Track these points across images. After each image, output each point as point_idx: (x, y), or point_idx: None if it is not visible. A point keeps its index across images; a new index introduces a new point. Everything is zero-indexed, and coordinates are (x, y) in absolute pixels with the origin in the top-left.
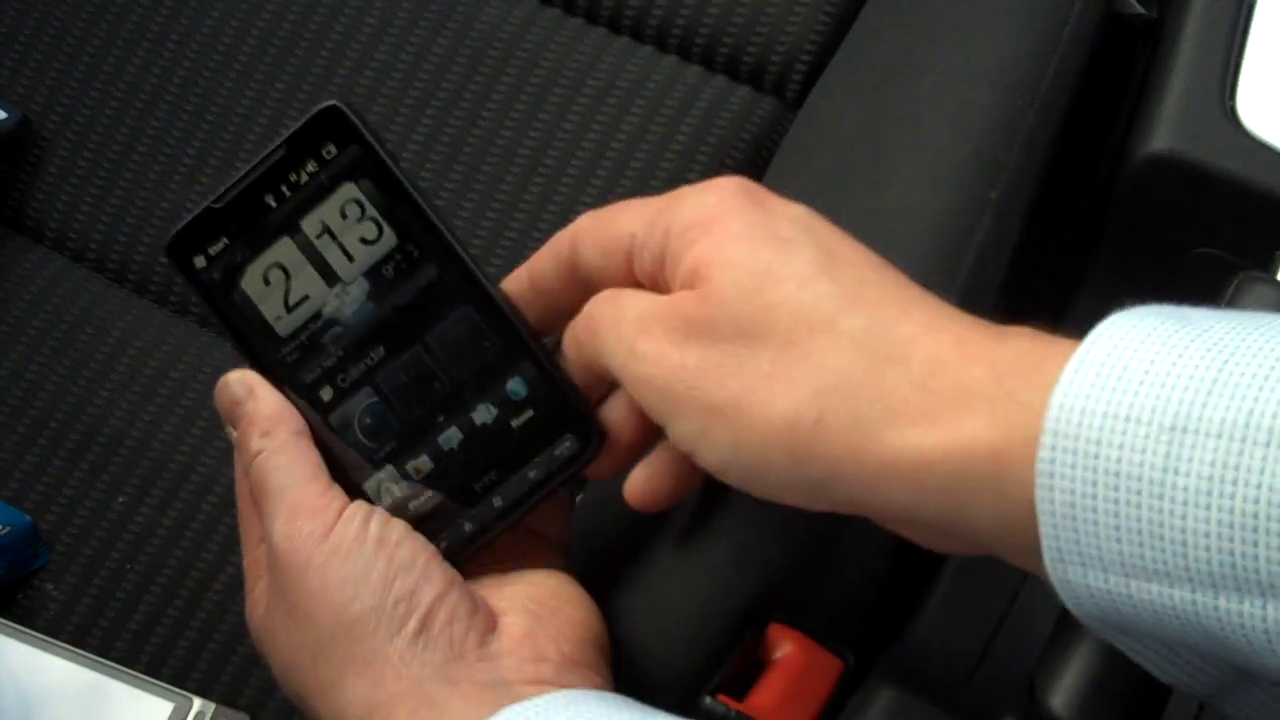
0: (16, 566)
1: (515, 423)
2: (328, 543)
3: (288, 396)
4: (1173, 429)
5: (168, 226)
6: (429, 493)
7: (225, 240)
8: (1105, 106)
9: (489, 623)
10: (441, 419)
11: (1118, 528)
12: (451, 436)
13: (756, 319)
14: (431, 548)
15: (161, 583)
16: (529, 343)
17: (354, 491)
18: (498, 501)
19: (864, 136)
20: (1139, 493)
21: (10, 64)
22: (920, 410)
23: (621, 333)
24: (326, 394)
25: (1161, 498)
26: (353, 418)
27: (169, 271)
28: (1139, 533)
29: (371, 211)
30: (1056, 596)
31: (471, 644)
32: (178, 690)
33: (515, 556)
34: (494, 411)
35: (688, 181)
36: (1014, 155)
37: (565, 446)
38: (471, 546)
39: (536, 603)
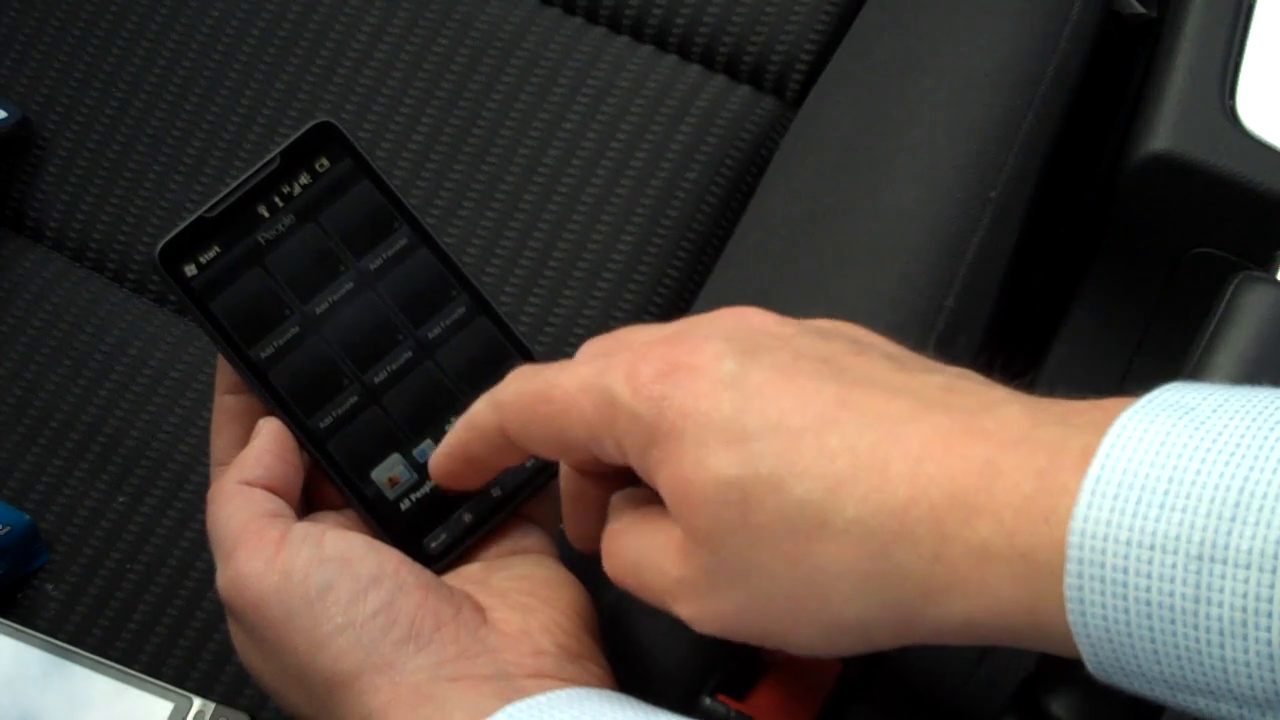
0: (16, 566)
1: None
2: (275, 570)
3: (280, 398)
4: (1200, 558)
5: (167, 226)
6: (429, 484)
7: (217, 249)
8: (1105, 106)
9: (478, 618)
10: (442, 413)
11: (1155, 651)
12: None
13: (757, 550)
14: (398, 555)
15: (161, 583)
16: (522, 341)
17: (359, 483)
18: (496, 492)
19: (864, 136)
20: (1173, 622)
21: (10, 64)
22: (945, 583)
23: (655, 594)
24: (319, 396)
25: (1197, 628)
26: (357, 414)
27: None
28: (1178, 658)
29: (364, 222)
30: None
31: (467, 641)
32: (178, 690)
33: (503, 544)
34: None
35: (687, 180)
36: (1014, 155)
37: (525, 463)
38: (469, 538)
39: (526, 594)
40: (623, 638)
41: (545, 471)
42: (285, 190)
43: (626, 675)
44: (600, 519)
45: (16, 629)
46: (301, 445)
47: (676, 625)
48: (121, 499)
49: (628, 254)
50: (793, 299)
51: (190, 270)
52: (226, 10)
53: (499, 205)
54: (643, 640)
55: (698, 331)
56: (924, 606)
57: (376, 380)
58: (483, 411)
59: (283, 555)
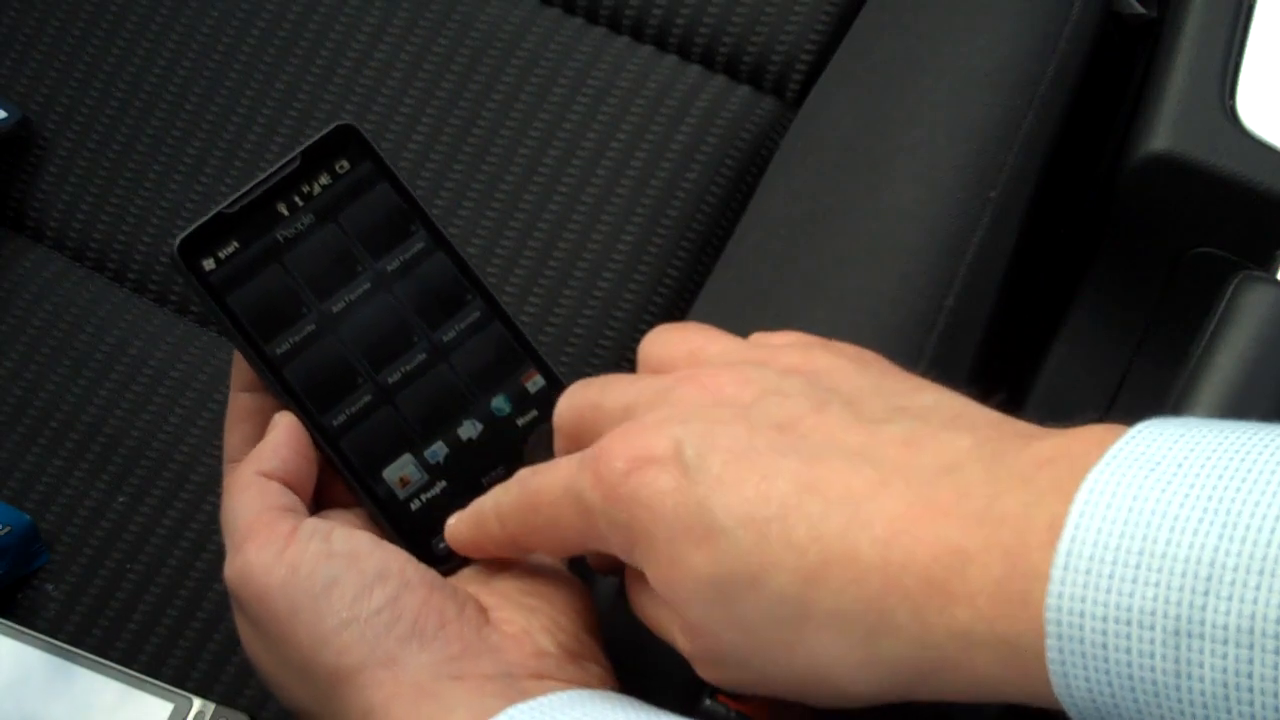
0: (16, 566)
1: (521, 421)
2: (283, 564)
3: (295, 394)
4: (1177, 634)
5: (168, 226)
6: (442, 483)
7: (235, 244)
8: (1105, 106)
9: (481, 618)
10: (455, 413)
11: None
12: (469, 429)
13: (751, 641)
14: (404, 554)
15: (161, 583)
16: (534, 346)
17: (371, 482)
18: None
19: (864, 136)
20: (1156, 695)
21: (10, 64)
22: (935, 664)
23: (677, 650)
24: (332, 395)
25: (1180, 701)
26: (360, 417)
27: (169, 271)
28: None
29: (382, 224)
30: None
31: (470, 639)
32: (178, 690)
33: None
34: (509, 407)
35: (687, 180)
36: (1014, 155)
37: None
38: None
39: (528, 594)
40: (622, 638)
41: None
42: (305, 189)
43: (626, 675)
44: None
45: (16, 629)
46: (314, 442)
47: None
48: (121, 499)
49: (628, 254)
50: (793, 299)
51: (209, 265)
52: (226, 10)
53: (499, 205)
54: (642, 640)
55: (655, 415)
56: (921, 682)
57: (390, 380)
58: (491, 523)
59: (291, 549)
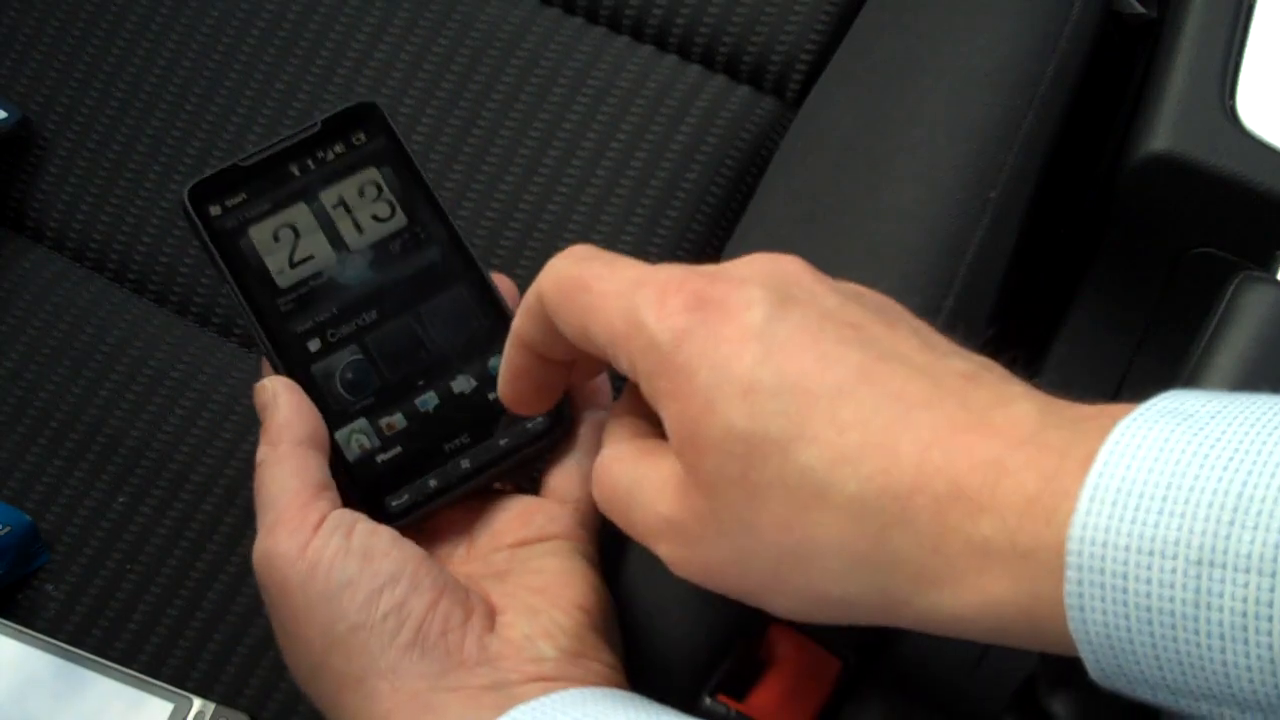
0: (16, 567)
1: (492, 395)
2: (305, 559)
3: (275, 341)
4: (1199, 563)
5: (168, 226)
6: (397, 449)
7: (244, 195)
8: (1105, 106)
9: (486, 623)
10: (421, 383)
11: (1157, 658)
12: (429, 400)
13: (753, 507)
14: (421, 553)
15: (161, 583)
16: (506, 310)
17: (333, 434)
18: (465, 464)
19: (864, 136)
20: (1173, 627)
21: (10, 64)
22: (939, 575)
23: (640, 530)
24: (314, 345)
25: (1197, 633)
26: (336, 370)
27: (168, 271)
28: (1179, 663)
29: (388, 194)
30: None
31: (470, 649)
32: (178, 690)
33: (530, 528)
34: (473, 383)
35: (687, 180)
36: (1014, 155)
37: (536, 421)
38: (434, 503)
39: (536, 593)
40: (623, 637)
41: (515, 453)
42: (320, 154)
43: (627, 674)
44: (541, 391)
45: (16, 629)
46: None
47: (677, 624)
48: (121, 499)
49: (627, 254)
50: None
51: (215, 210)
52: (226, 10)
53: (499, 205)
54: (643, 640)
55: (735, 273)
56: (913, 595)
57: (366, 339)
58: (540, 280)
59: (315, 543)
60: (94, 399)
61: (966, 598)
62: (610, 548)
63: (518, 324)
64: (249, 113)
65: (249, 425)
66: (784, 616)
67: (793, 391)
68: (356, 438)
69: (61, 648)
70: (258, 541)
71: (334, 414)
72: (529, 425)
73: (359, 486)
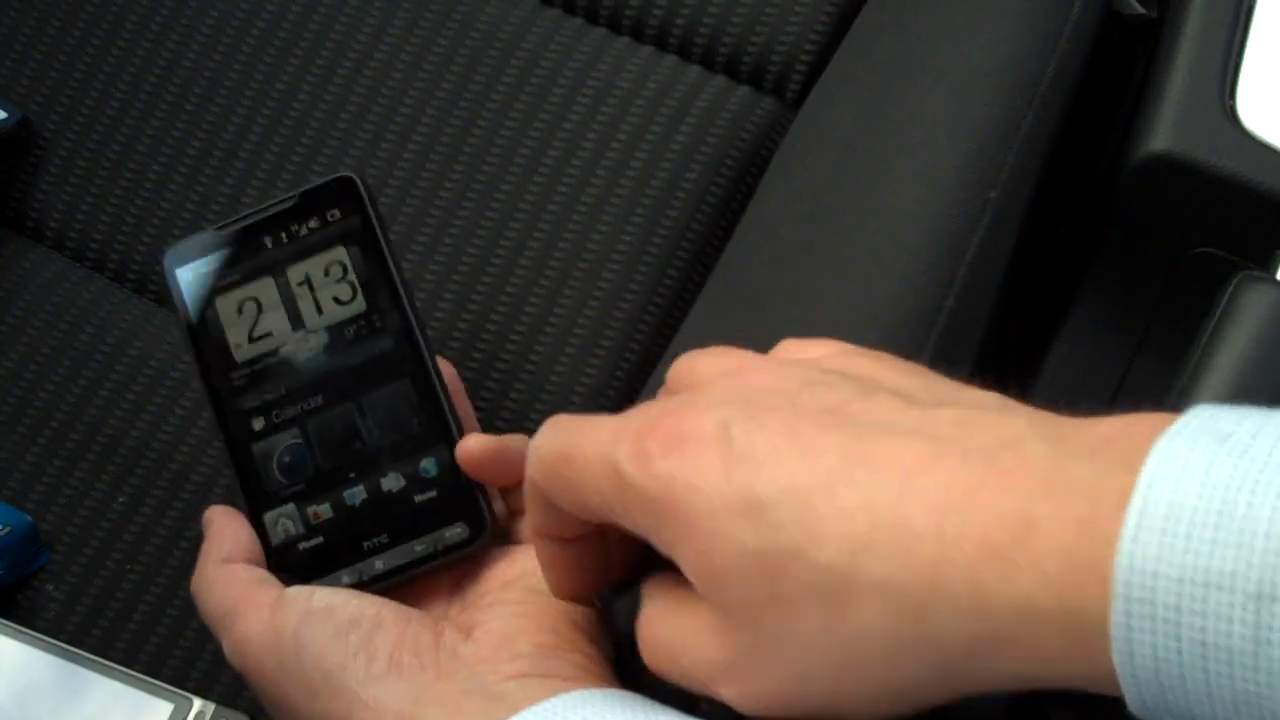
0: (16, 566)
1: (418, 498)
2: (271, 629)
3: (222, 415)
4: (1259, 596)
5: (168, 227)
6: (319, 539)
7: (218, 263)
8: (1105, 106)
9: (458, 636)
10: (353, 476)
11: (1209, 694)
12: (357, 494)
13: (791, 622)
14: (381, 600)
15: (161, 583)
16: (452, 431)
17: (257, 514)
18: (379, 564)
19: (864, 136)
20: (1229, 664)
21: (10, 64)
22: (990, 641)
23: (697, 679)
24: (259, 424)
25: (1255, 670)
26: (274, 452)
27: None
28: (1233, 701)
29: (351, 277)
30: None
31: (445, 662)
32: (178, 690)
33: (507, 569)
34: (402, 482)
35: (687, 180)
36: (1014, 155)
37: (456, 532)
38: (379, 584)
39: (516, 604)
40: (622, 637)
41: (430, 561)
42: (293, 228)
43: (627, 674)
44: (576, 574)
45: (17, 630)
46: (227, 458)
47: None
48: (121, 499)
49: (628, 254)
50: (793, 299)
51: (187, 276)
52: (226, 11)
53: (499, 205)
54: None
55: (700, 400)
56: (969, 664)
57: (308, 424)
58: (528, 468)
59: (278, 616)
60: (94, 399)
61: (1023, 657)
62: None
63: (530, 518)
64: (249, 112)
65: None
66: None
67: (789, 496)
68: (283, 522)
69: (62, 648)
70: (225, 647)
71: (266, 495)
72: (448, 534)
73: (275, 571)
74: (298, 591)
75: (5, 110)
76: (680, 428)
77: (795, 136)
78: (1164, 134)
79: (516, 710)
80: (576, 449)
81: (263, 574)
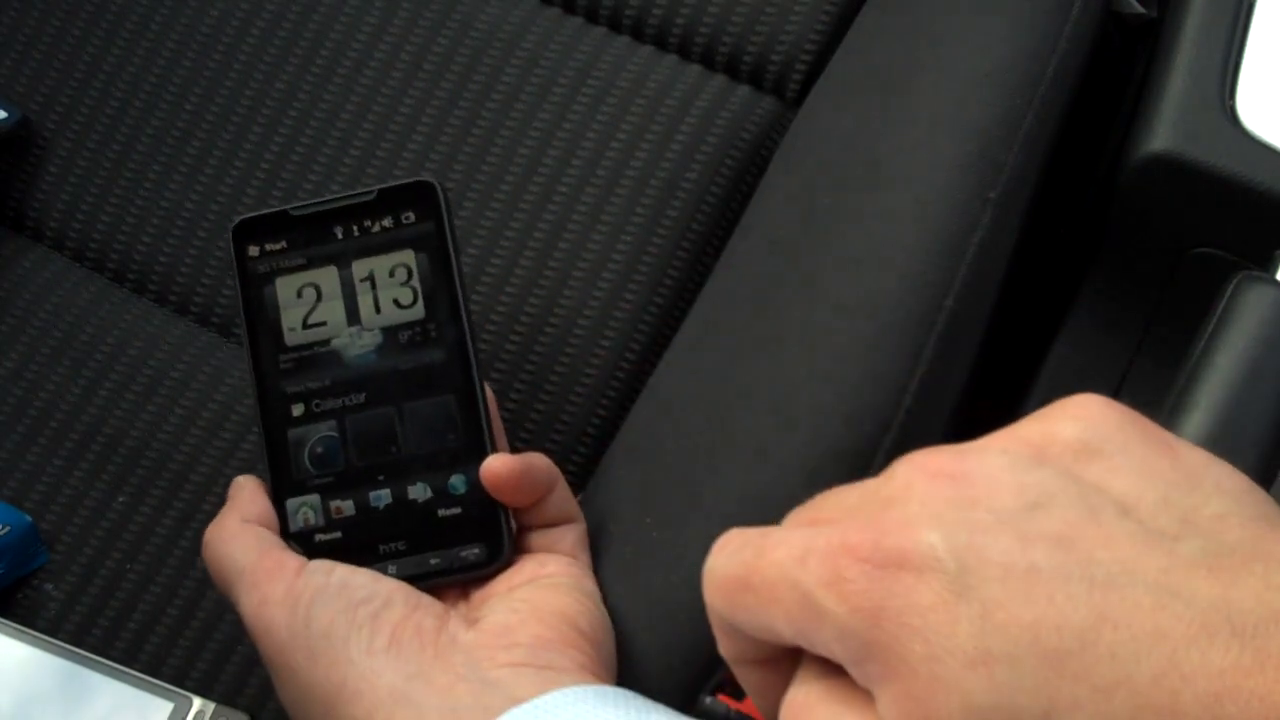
0: (16, 566)
1: (442, 512)
2: (291, 596)
3: (264, 395)
4: None
5: (168, 227)
6: (337, 534)
7: (284, 243)
8: (1105, 106)
9: (460, 624)
10: (381, 478)
11: None
12: (382, 497)
13: None
14: (395, 583)
15: (161, 583)
16: (488, 453)
17: (280, 501)
18: (392, 570)
19: (864, 136)
20: None
21: (10, 64)
22: None
23: None
24: (298, 409)
25: None
26: (309, 440)
27: (168, 271)
28: None
29: (415, 282)
30: None
31: (444, 645)
32: (178, 690)
33: (514, 574)
34: (429, 494)
35: (687, 180)
36: (1014, 155)
37: (473, 552)
38: None
39: (521, 599)
40: (622, 638)
41: (442, 575)
42: (366, 223)
43: (626, 675)
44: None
45: (16, 629)
46: (263, 436)
47: (677, 625)
48: (121, 499)
49: (628, 254)
50: (793, 299)
51: (253, 251)
52: (226, 10)
53: (499, 205)
54: (643, 640)
55: (900, 512)
56: None
57: (345, 420)
58: (705, 596)
59: (298, 583)
60: (94, 399)
61: None
62: (610, 549)
63: (721, 648)
64: (248, 113)
65: (248, 425)
66: None
67: (1032, 653)
68: (305, 511)
69: (61, 647)
70: (245, 603)
71: (293, 482)
72: (464, 553)
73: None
74: (319, 564)
75: (5, 110)
76: (881, 553)
77: (795, 136)
78: (1164, 134)
79: (510, 698)
80: (756, 574)
81: (284, 543)
